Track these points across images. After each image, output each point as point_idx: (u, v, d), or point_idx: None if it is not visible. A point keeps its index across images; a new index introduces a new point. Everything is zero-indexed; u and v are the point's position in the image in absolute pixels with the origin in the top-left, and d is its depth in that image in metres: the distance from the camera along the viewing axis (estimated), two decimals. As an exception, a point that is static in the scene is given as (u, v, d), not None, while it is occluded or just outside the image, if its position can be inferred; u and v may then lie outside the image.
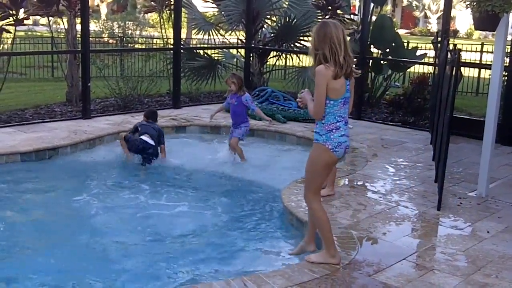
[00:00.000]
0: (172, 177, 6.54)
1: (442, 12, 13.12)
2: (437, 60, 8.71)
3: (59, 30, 11.62)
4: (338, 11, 11.02)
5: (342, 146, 3.74)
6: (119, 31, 13.86)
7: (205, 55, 11.36)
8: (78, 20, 8.93)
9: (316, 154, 3.77)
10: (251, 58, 11.00)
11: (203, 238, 4.81)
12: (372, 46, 10.59)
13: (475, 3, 5.16)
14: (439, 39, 8.65)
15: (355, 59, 3.88)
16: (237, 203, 5.67)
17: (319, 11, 10.99)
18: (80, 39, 8.69)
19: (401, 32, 31.09)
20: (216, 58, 11.59)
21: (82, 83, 8.63)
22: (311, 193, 3.85)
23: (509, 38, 6.74)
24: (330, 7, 10.76)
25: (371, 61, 10.30)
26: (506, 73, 7.73)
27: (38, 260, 4.32)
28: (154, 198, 5.71)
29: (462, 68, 9.29)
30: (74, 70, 9.81)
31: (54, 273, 4.11)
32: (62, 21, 10.08)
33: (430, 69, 10.64)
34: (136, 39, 14.44)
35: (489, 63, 5.65)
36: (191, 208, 5.50)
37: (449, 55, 6.20)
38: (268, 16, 11.65)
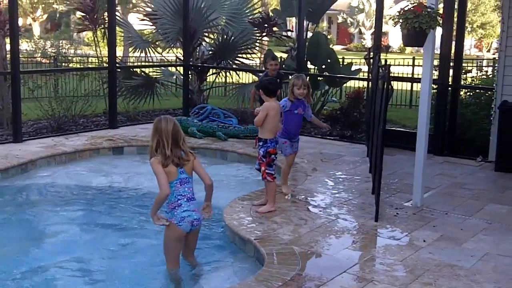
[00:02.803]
0: (108, 198, 6.34)
1: (374, 28, 13.54)
2: (370, 75, 8.97)
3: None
4: (275, 29, 11.19)
5: (185, 220, 4.14)
6: (53, 50, 13.51)
7: (143, 73, 11.22)
8: (8, 40, 8.61)
9: (166, 230, 4.22)
10: (190, 75, 10.96)
11: (141, 258, 4.68)
12: (308, 62, 10.79)
13: (402, 20, 5.36)
14: (371, 54, 8.92)
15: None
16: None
17: (256, 28, 11.12)
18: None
19: (337, 48, 31.99)
20: (154, 76, 11.46)
21: (13, 105, 8.30)
22: (170, 264, 4.31)
23: (437, 52, 7.03)
24: (266, 25, 10.91)
25: (308, 77, 10.45)
26: (436, 86, 8.06)
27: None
28: (88, 223, 5.52)
29: (395, 82, 9.60)
30: (5, 92, 9.44)
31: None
32: (-9, 41, 9.69)
33: (365, 84, 10.94)
34: (71, 58, 14.11)
35: (420, 76, 5.86)
36: (123, 229, 5.35)
37: (380, 70, 6.40)
38: (206, 34, 11.67)
